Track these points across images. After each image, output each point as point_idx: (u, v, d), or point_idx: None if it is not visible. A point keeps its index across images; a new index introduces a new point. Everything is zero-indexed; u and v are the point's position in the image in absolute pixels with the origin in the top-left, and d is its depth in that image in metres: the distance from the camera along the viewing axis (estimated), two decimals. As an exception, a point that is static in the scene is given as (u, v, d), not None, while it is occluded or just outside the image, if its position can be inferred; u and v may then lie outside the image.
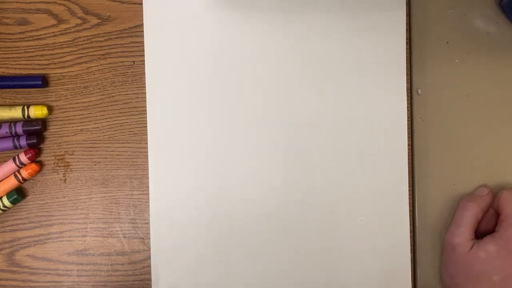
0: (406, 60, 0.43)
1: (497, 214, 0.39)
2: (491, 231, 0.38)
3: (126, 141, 0.42)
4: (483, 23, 0.44)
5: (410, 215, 0.42)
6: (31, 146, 0.41)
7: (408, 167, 0.42)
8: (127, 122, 0.42)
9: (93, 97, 0.42)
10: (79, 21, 0.42)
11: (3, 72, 0.42)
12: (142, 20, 0.42)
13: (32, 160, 0.41)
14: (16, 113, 0.40)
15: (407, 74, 0.43)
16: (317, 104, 0.42)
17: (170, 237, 0.41)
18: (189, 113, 0.42)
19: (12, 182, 0.40)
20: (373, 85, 0.42)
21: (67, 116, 0.42)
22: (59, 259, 0.42)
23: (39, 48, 0.42)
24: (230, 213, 0.42)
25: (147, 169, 0.41)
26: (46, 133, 0.42)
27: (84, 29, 0.42)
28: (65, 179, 0.42)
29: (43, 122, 0.41)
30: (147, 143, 0.42)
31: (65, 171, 0.42)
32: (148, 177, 0.41)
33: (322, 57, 0.42)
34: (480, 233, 0.39)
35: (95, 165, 0.42)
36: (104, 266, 0.42)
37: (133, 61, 0.42)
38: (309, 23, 0.42)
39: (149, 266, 0.41)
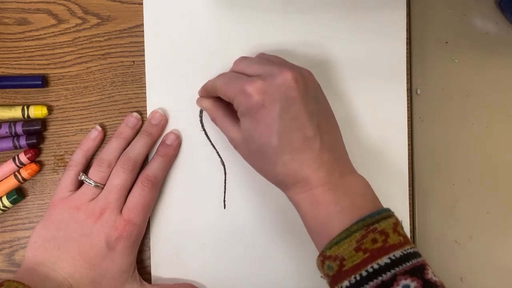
0: (406, 60, 0.43)
1: None
2: None
3: (126, 141, 0.42)
4: (483, 23, 0.44)
5: (410, 215, 0.42)
6: (31, 146, 0.40)
7: (408, 167, 0.42)
8: (127, 122, 0.42)
9: (93, 97, 0.42)
10: (79, 21, 0.42)
11: (3, 72, 0.42)
12: (142, 20, 0.42)
13: (32, 160, 0.40)
14: (16, 113, 0.40)
15: (407, 74, 0.43)
16: (317, 104, 0.42)
17: (170, 237, 0.41)
18: (189, 113, 0.42)
19: (12, 182, 0.40)
20: (373, 85, 0.43)
21: (67, 116, 0.42)
22: (59, 259, 0.42)
23: (39, 48, 0.42)
24: (231, 213, 0.42)
25: (147, 169, 0.41)
26: (46, 133, 0.42)
27: (84, 29, 0.42)
28: (65, 179, 0.42)
29: (43, 122, 0.41)
30: (147, 143, 0.42)
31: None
32: (148, 177, 0.41)
33: (322, 57, 0.43)
34: None
35: (95, 165, 0.42)
36: (104, 266, 0.42)
37: (133, 61, 0.42)
38: (309, 23, 0.43)
39: (149, 266, 0.41)
